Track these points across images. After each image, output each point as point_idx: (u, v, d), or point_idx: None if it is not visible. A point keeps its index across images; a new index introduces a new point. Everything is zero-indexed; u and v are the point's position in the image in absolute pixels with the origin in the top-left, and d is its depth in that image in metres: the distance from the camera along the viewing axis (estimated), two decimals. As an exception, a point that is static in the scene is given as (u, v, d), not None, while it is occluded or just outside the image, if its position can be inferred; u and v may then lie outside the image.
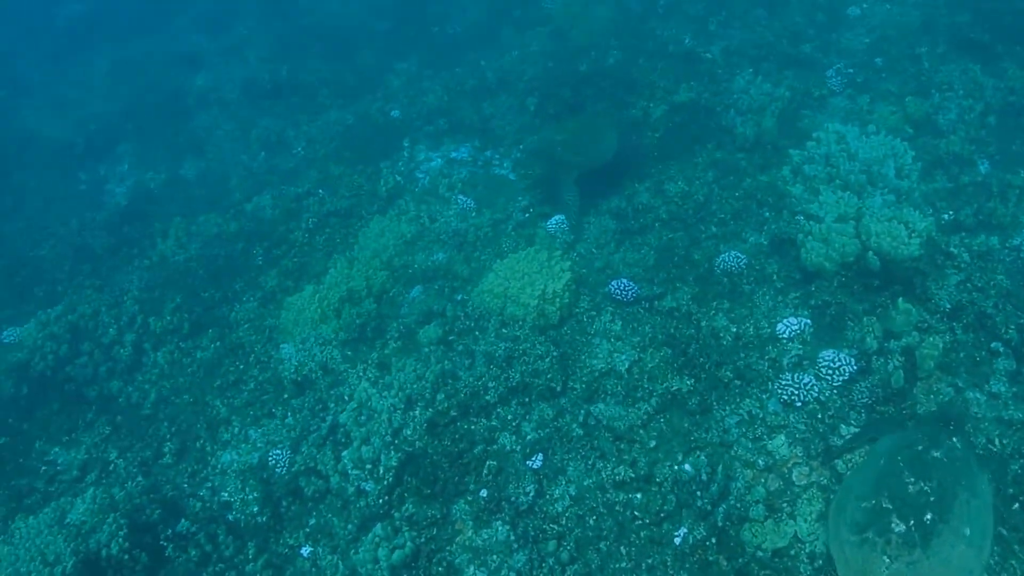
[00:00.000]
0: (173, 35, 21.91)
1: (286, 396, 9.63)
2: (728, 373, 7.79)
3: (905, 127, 10.67)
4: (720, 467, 7.09)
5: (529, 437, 7.88)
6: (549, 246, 10.07)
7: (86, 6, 24.14)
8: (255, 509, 8.34)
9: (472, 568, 7.12)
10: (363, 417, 8.60)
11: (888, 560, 5.52)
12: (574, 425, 7.85)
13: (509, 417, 8.14)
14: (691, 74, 12.93)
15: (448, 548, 7.35)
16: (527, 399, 8.26)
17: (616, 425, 7.68)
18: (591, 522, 7.10)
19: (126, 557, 7.82)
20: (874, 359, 7.51)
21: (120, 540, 7.85)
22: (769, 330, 8.10)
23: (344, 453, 8.35)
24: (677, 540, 6.75)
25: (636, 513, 7.03)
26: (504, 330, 9.09)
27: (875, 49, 12.50)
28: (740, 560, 6.47)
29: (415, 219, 11.94)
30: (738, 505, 6.78)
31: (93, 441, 9.86)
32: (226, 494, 8.65)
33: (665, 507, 6.94)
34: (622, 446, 7.57)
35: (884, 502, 5.77)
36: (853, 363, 7.44)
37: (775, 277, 8.74)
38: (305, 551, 7.89)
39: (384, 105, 15.53)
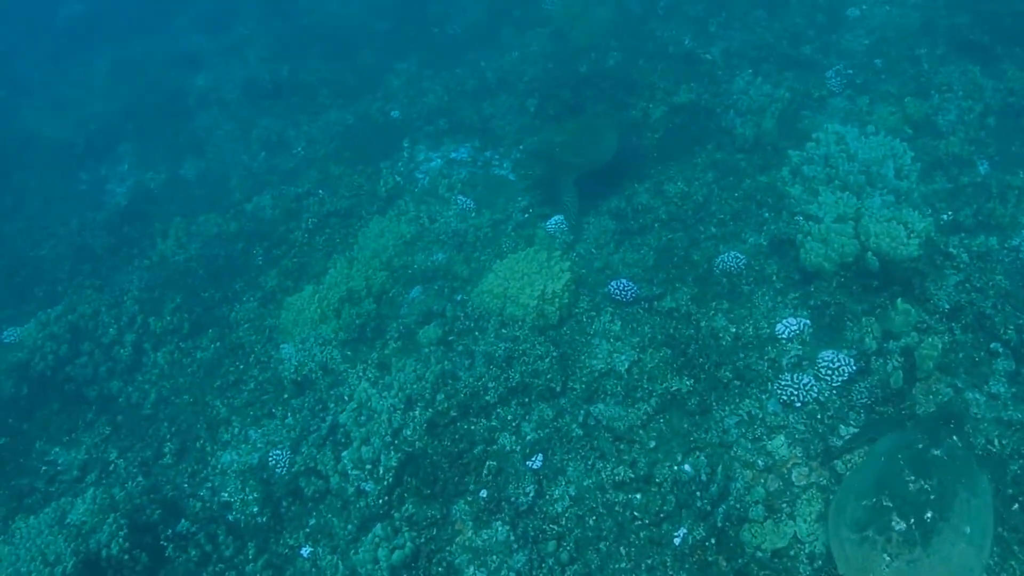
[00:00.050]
0: (173, 35, 21.92)
1: (286, 396, 9.64)
2: (727, 373, 7.80)
3: (904, 128, 10.68)
4: (720, 467, 7.10)
5: (529, 437, 7.89)
6: (549, 246, 10.09)
7: (86, 6, 24.14)
8: (255, 509, 8.35)
9: (472, 568, 7.13)
10: (363, 417, 8.61)
11: (888, 558, 5.53)
12: (574, 425, 7.86)
13: (509, 417, 8.15)
14: (691, 75, 12.94)
15: (448, 548, 7.36)
16: (527, 399, 8.27)
17: (616, 425, 7.69)
18: (591, 522, 7.11)
19: (126, 557, 7.83)
20: (873, 359, 7.52)
21: (120, 540, 7.86)
22: (768, 330, 8.12)
23: (344, 453, 8.36)
24: (677, 540, 6.76)
25: (636, 513, 7.04)
26: (504, 330, 9.10)
27: (875, 50, 12.52)
28: (740, 561, 6.48)
29: (415, 219, 11.96)
30: (737, 506, 6.79)
31: (93, 441, 9.87)
32: (226, 494, 8.66)
33: (665, 507, 6.95)
34: (622, 446, 7.58)
35: (884, 500, 5.78)
36: (852, 363, 7.46)
37: (774, 277, 8.75)
38: (305, 551, 7.90)
39: (384, 105, 15.54)
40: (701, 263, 9.26)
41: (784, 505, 6.73)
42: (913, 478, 5.84)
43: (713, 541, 6.66)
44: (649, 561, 6.70)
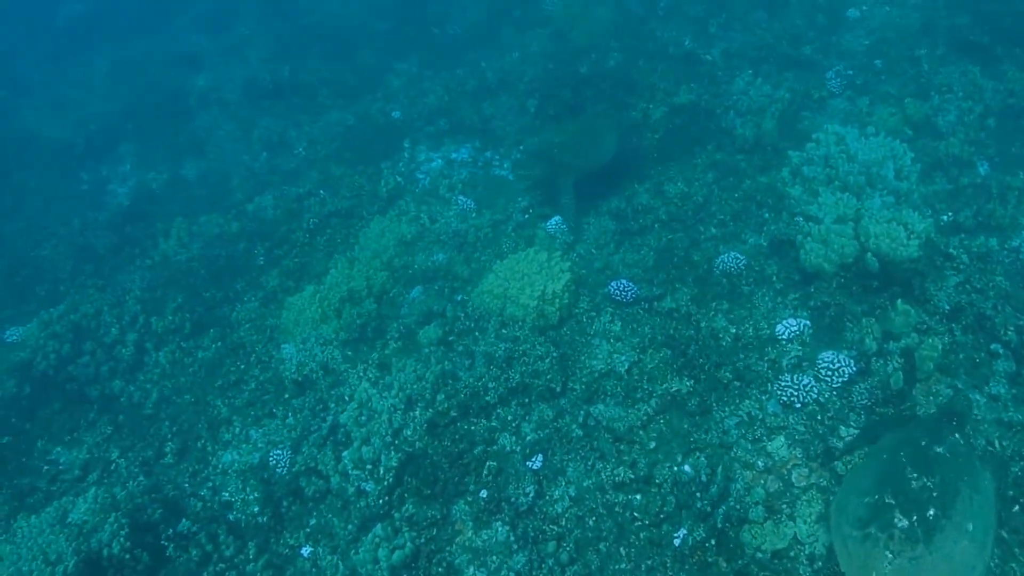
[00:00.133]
0: (174, 35, 21.94)
1: (287, 396, 9.66)
2: (727, 374, 7.81)
3: (904, 129, 10.69)
4: (720, 468, 7.11)
5: (529, 438, 7.90)
6: (549, 247, 10.10)
7: (86, 6, 24.16)
8: (256, 509, 8.37)
9: (472, 569, 7.14)
10: (363, 417, 8.63)
11: (891, 555, 5.54)
12: (574, 426, 7.88)
13: (509, 418, 8.17)
14: (691, 76, 12.95)
15: (448, 549, 7.38)
16: (527, 400, 8.28)
17: (616, 426, 7.70)
18: (591, 523, 7.13)
19: (127, 557, 7.85)
20: (873, 360, 7.53)
21: (121, 540, 7.88)
22: (768, 331, 8.13)
23: (344, 453, 8.38)
24: (677, 541, 6.77)
25: (636, 514, 7.05)
26: (504, 331, 9.11)
27: (875, 51, 12.52)
28: (740, 562, 6.49)
29: (415, 220, 11.97)
30: (738, 506, 6.80)
31: (95, 440, 9.89)
32: (227, 494, 8.68)
33: (665, 508, 6.97)
34: (622, 447, 7.59)
35: (887, 497, 5.78)
36: (852, 364, 7.47)
37: (774, 278, 8.77)
38: (305, 551, 7.92)
39: (385, 106, 15.56)
40: (701, 264, 9.27)
41: (784, 506, 6.74)
42: (916, 475, 5.84)
43: (713, 542, 6.67)
44: (649, 562, 6.72)
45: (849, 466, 6.81)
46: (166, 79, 19.27)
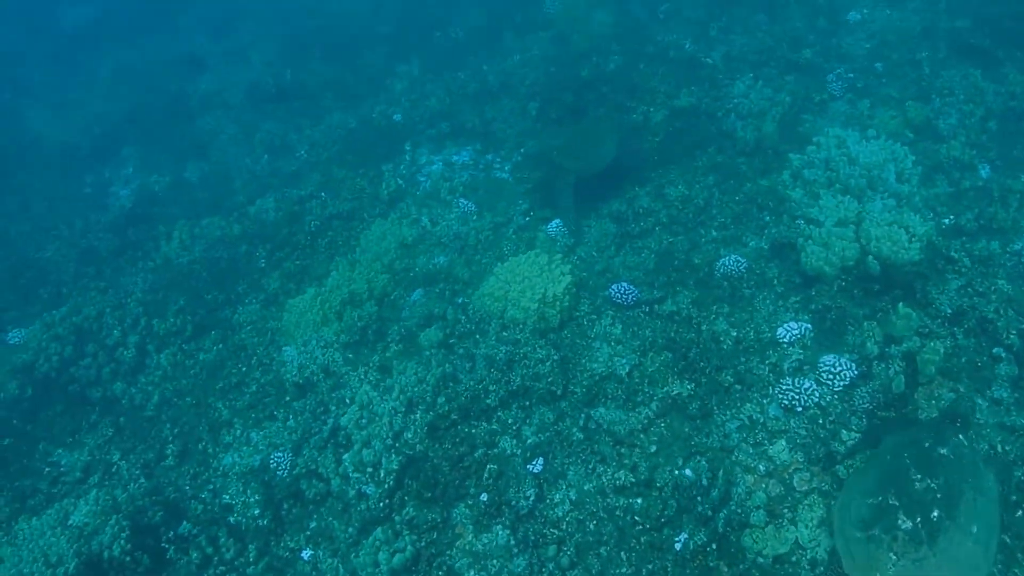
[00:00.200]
0: (177, 38, 22.05)
1: (288, 399, 9.66)
2: (729, 377, 7.80)
3: (906, 132, 10.68)
4: (721, 472, 7.10)
5: (529, 441, 7.90)
6: (549, 249, 10.10)
7: (91, 10, 24.29)
8: (256, 512, 8.37)
9: (472, 572, 7.13)
10: (364, 420, 8.63)
11: (895, 557, 5.51)
12: (574, 429, 7.87)
13: (510, 421, 8.16)
14: (692, 79, 12.96)
15: (448, 552, 7.37)
16: (528, 403, 8.28)
17: (616, 429, 7.69)
18: (591, 527, 7.11)
19: (128, 559, 7.86)
20: (875, 364, 7.51)
21: (122, 542, 7.88)
22: (769, 334, 8.11)
23: (345, 456, 8.37)
24: (678, 546, 6.75)
25: (637, 518, 7.03)
26: (505, 333, 9.11)
27: (875, 54, 12.52)
28: (741, 566, 6.47)
29: (416, 222, 11.99)
30: (739, 511, 6.79)
31: (96, 443, 9.91)
32: (227, 496, 8.68)
33: (666, 512, 6.95)
34: (622, 450, 7.58)
35: (891, 499, 5.76)
36: (854, 368, 7.45)
37: (775, 281, 8.75)
38: (306, 554, 7.92)
39: (386, 109, 15.60)
40: (702, 267, 9.27)
41: (786, 510, 6.72)
42: (919, 476, 5.82)
43: (714, 546, 6.65)
44: (650, 566, 6.70)
45: (851, 470, 6.79)
46: (169, 82, 19.37)
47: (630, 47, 14.58)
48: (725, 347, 8.15)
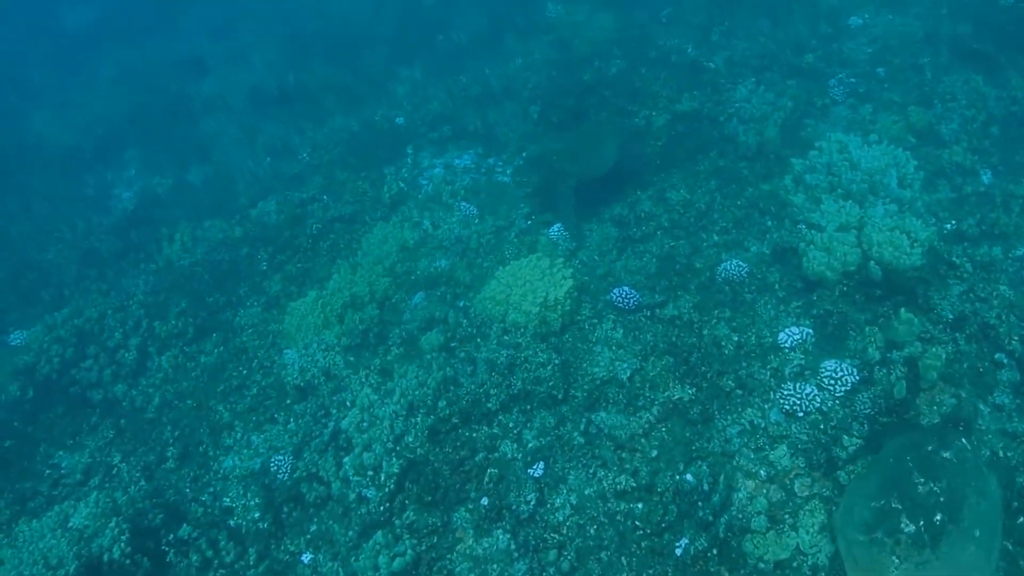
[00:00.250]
0: (180, 41, 22.10)
1: (289, 401, 9.66)
2: (730, 382, 7.79)
3: (907, 137, 10.68)
4: (722, 477, 7.09)
5: (530, 445, 7.89)
6: (551, 253, 10.11)
7: (93, 12, 24.36)
8: (256, 515, 8.37)
9: (472, 576, 7.12)
10: (365, 423, 8.63)
11: (898, 560, 5.51)
12: (575, 433, 7.86)
13: (511, 425, 8.16)
14: (694, 83, 12.97)
15: (448, 556, 7.36)
16: (529, 407, 8.27)
17: (617, 434, 7.68)
18: (592, 532, 7.10)
19: (128, 562, 7.85)
20: (876, 369, 7.50)
21: (122, 545, 7.88)
22: (771, 339, 8.11)
23: (346, 459, 8.37)
24: (678, 551, 6.74)
25: (637, 523, 7.02)
26: (506, 337, 9.11)
27: (877, 59, 12.53)
28: (742, 572, 6.46)
29: (418, 225, 12.00)
30: (740, 516, 6.78)
31: (97, 445, 9.92)
32: (228, 499, 8.68)
33: (666, 517, 6.94)
34: (623, 455, 7.57)
35: (894, 502, 5.76)
36: (855, 373, 7.44)
37: (777, 286, 8.75)
38: (306, 558, 7.91)
39: (388, 112, 15.63)
40: (703, 271, 9.27)
41: (787, 516, 6.71)
42: (922, 480, 5.81)
43: (715, 552, 6.64)
44: (651, 571, 6.68)
45: (852, 476, 6.77)
46: (172, 84, 19.41)
47: (632, 51, 14.59)
48: (726, 352, 8.15)
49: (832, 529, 6.40)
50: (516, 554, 7.11)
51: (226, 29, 21.85)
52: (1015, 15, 11.82)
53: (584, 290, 9.57)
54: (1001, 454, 6.64)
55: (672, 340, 8.44)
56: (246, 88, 17.99)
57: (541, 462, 7.70)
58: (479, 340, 9.32)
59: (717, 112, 12.14)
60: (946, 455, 5.98)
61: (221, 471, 9.11)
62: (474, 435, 8.17)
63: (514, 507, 7.42)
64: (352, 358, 9.83)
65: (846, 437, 7.08)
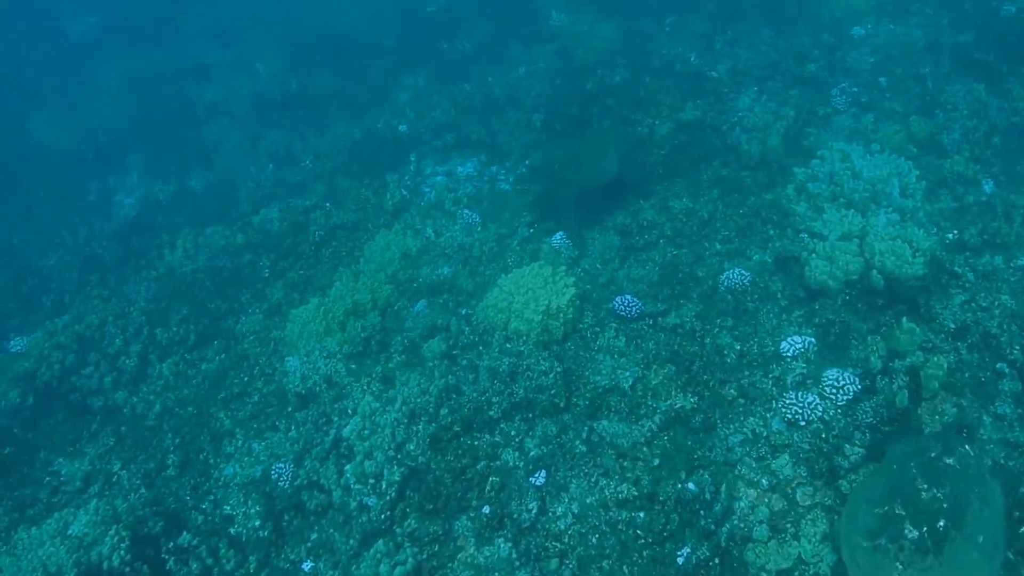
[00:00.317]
0: (184, 48, 22.20)
1: (290, 409, 9.65)
2: (732, 391, 7.78)
3: (909, 146, 10.71)
4: (724, 486, 7.06)
5: (532, 453, 7.87)
6: (553, 261, 10.12)
7: (97, 19, 24.50)
8: (257, 523, 8.33)
9: (474, 585, 7.08)
10: (366, 431, 8.61)
11: (901, 567, 5.49)
12: (577, 442, 7.84)
13: (512, 433, 8.14)
14: (697, 92, 13.02)
15: (450, 565, 7.32)
16: (531, 415, 8.26)
17: (619, 442, 7.66)
18: (594, 540, 7.07)
19: (128, 570, 7.82)
20: (878, 379, 7.49)
21: (122, 552, 7.85)
22: (773, 348, 8.10)
23: (347, 467, 8.35)
24: (680, 560, 6.71)
25: (639, 532, 6.99)
26: (508, 345, 9.11)
27: (879, 69, 12.58)
28: (744, 581, 6.43)
29: (420, 233, 12.03)
30: (742, 525, 6.75)
31: (97, 452, 9.90)
32: (228, 507, 8.65)
33: (668, 526, 6.91)
34: (625, 464, 7.55)
35: (897, 508, 5.74)
36: (857, 382, 7.43)
37: (779, 295, 8.75)
38: (306, 566, 7.87)
39: (392, 119, 15.69)
40: (706, 280, 9.27)
41: (788, 525, 6.68)
42: (926, 486, 5.80)
43: (717, 561, 6.61)
44: (652, 581, 6.65)
45: (854, 485, 6.75)
46: (175, 91, 19.48)
47: (635, 60, 14.67)
48: (729, 360, 8.14)
49: (834, 538, 6.37)
50: (518, 563, 7.08)
51: (230, 36, 21.96)
52: (1016, 25, 11.87)
53: (586, 298, 9.57)
54: (1003, 464, 6.62)
55: (674, 349, 8.43)
56: (249, 95, 18.07)
57: (543, 470, 7.68)
58: (481, 348, 9.32)
59: (720, 121, 12.19)
60: (949, 461, 5.97)
61: (222, 479, 9.08)
62: (476, 443, 8.16)
63: (516, 515, 7.39)
64: (354, 365, 9.82)
65: (848, 446, 7.06)
